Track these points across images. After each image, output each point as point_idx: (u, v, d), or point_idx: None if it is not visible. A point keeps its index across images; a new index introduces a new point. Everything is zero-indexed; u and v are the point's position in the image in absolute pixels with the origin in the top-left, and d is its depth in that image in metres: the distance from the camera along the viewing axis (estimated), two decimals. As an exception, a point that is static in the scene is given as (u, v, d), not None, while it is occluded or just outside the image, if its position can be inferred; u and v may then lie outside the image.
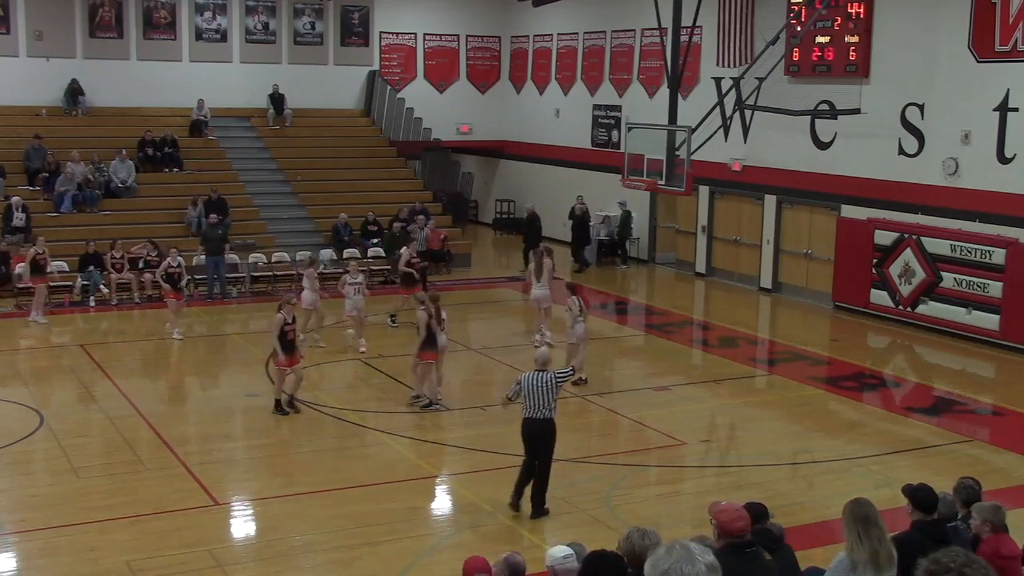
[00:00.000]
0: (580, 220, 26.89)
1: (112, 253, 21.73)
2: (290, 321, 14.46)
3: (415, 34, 31.46)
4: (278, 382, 14.59)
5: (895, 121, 20.63)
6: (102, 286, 21.59)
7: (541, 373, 11.13)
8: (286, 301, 14.83)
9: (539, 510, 11.09)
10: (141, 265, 21.87)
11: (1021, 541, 7.30)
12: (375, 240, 24.90)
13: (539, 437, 11.05)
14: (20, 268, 20.69)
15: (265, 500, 11.56)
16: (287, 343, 14.32)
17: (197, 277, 22.69)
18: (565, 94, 30.54)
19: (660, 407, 15.42)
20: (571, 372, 13.25)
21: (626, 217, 27.43)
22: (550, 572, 6.45)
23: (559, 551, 6.50)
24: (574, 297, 16.22)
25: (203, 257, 22.56)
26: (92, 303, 21.16)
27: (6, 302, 21.08)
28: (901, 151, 20.67)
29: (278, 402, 14.46)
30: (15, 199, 22.94)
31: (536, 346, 18.54)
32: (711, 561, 3.26)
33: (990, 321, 18.92)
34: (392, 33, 31.14)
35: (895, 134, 20.67)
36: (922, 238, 20.04)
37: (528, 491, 11.10)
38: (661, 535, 6.04)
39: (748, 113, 22.65)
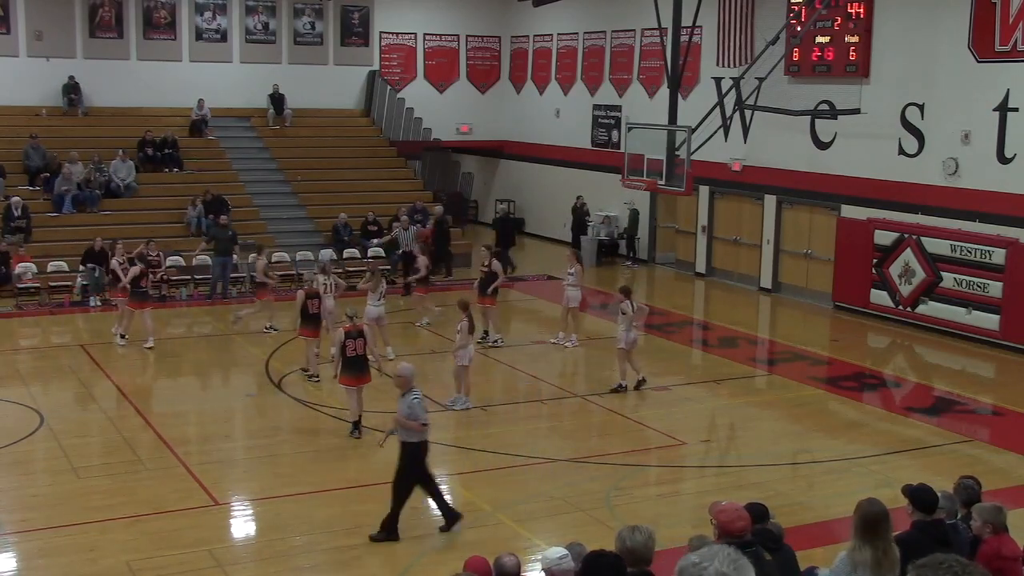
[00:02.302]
0: (503, 220, 26.96)
1: (117, 259, 21.41)
2: (355, 336, 13.50)
3: (415, 34, 31.46)
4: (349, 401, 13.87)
5: (895, 121, 20.63)
6: (105, 286, 21.47)
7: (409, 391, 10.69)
8: (347, 316, 14.01)
9: (451, 518, 10.70)
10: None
11: (1021, 541, 7.30)
12: (375, 240, 24.89)
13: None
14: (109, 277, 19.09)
15: (265, 500, 11.55)
16: (347, 360, 13.48)
17: (198, 277, 22.67)
18: (565, 94, 30.55)
19: (660, 407, 15.42)
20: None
21: (634, 216, 27.44)
22: (546, 573, 6.43)
23: (554, 552, 6.49)
24: (628, 301, 15.78)
25: (204, 256, 22.56)
26: (93, 303, 21.10)
27: (6, 302, 21.07)
28: (901, 151, 20.67)
29: (354, 424, 13.69)
30: (15, 199, 22.94)
31: (564, 347, 18.60)
32: (726, 571, 3.21)
33: (990, 321, 18.92)
34: (392, 33, 31.14)
35: (895, 134, 20.68)
36: (922, 238, 20.04)
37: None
38: (653, 530, 6.05)
39: (748, 113, 22.64)
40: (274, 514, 11.17)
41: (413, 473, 10.63)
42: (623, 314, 15.84)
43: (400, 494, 10.55)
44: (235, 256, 22.65)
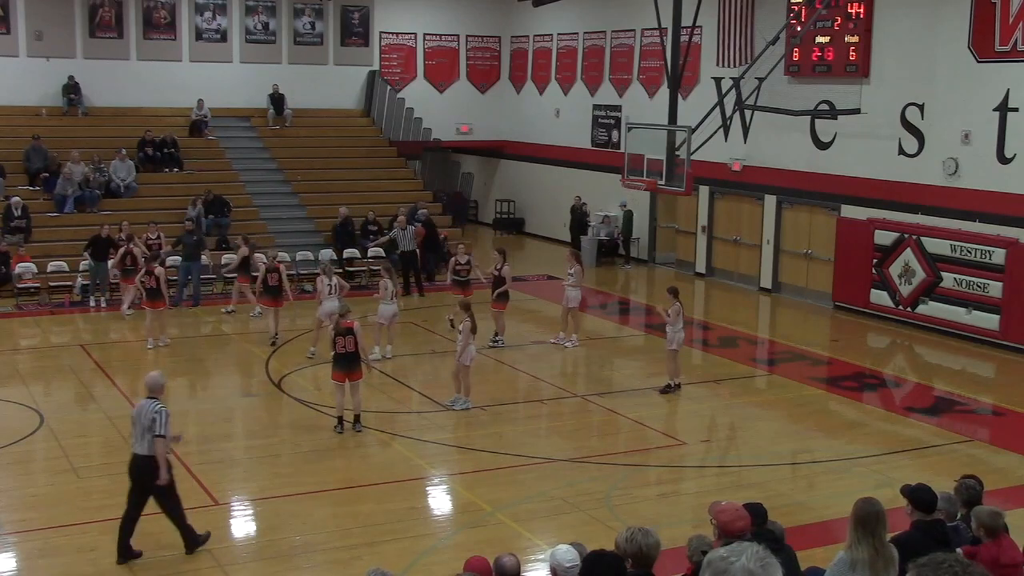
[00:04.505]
0: (427, 224, 24.77)
1: (120, 235, 21.36)
2: (343, 333, 13.61)
3: (415, 34, 31.46)
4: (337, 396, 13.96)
5: (895, 121, 20.63)
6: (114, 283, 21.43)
7: (147, 401, 10.01)
8: (340, 312, 14.11)
9: (192, 541, 10.04)
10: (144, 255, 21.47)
11: (1021, 542, 7.29)
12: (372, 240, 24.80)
13: (136, 476, 9.97)
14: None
15: (265, 500, 11.56)
16: (335, 356, 13.69)
17: (171, 279, 22.42)
18: (565, 94, 30.55)
19: (660, 407, 15.43)
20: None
21: (628, 217, 27.47)
22: (553, 573, 6.41)
23: (566, 556, 6.29)
24: (679, 302, 15.59)
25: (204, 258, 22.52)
26: (93, 303, 21.09)
27: (6, 302, 21.07)
28: (901, 151, 20.67)
29: (339, 419, 13.81)
30: (15, 199, 22.93)
31: (564, 347, 18.60)
32: (752, 568, 3.22)
33: (990, 321, 18.92)
34: (392, 33, 31.15)
35: (895, 134, 20.68)
36: (922, 238, 20.04)
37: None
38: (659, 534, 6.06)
39: (748, 113, 22.65)
40: (274, 514, 11.17)
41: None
42: (677, 315, 15.56)
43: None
44: (233, 255, 22.58)
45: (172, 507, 10.05)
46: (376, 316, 17.42)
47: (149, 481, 9.87)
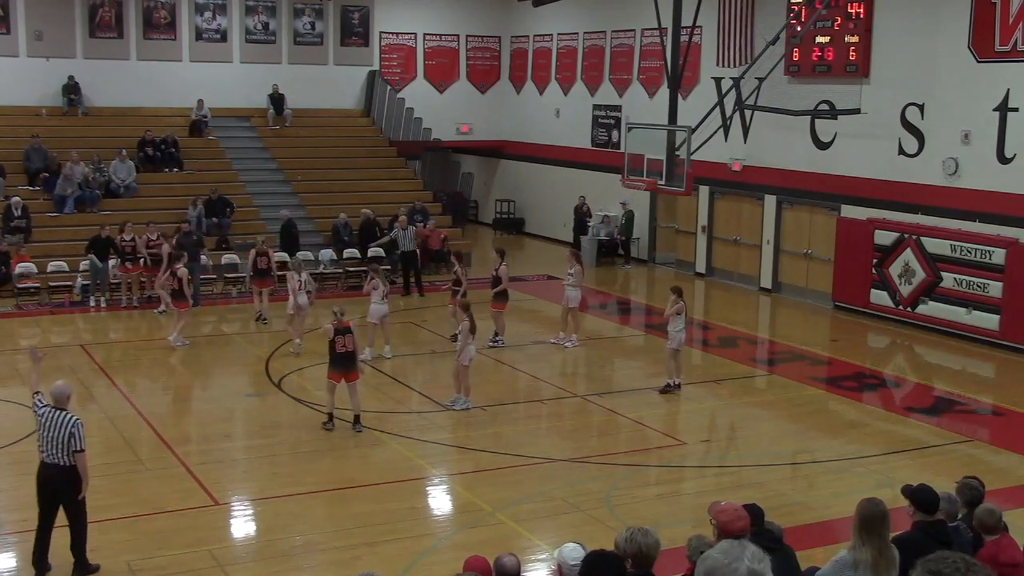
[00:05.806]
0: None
1: (122, 236, 21.42)
2: (344, 332, 13.65)
3: (415, 34, 31.46)
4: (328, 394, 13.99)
5: (895, 121, 20.63)
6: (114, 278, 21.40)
7: (58, 412, 9.54)
8: (335, 313, 14.07)
9: (83, 567, 9.60)
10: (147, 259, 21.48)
11: (1022, 542, 7.28)
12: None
13: (56, 488, 9.55)
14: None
15: (265, 500, 11.56)
16: (335, 356, 13.73)
17: (202, 277, 22.51)
18: (565, 94, 30.55)
19: (660, 407, 15.42)
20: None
21: (629, 216, 27.47)
22: (558, 569, 6.41)
23: (572, 554, 6.30)
24: (682, 302, 15.62)
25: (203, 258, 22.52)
26: (93, 303, 21.08)
27: (6, 302, 21.07)
28: (901, 151, 20.67)
29: (329, 416, 13.86)
30: (15, 199, 22.92)
31: (564, 347, 18.60)
32: (757, 568, 3.21)
33: (990, 321, 18.92)
34: (392, 33, 31.15)
35: (895, 134, 20.68)
36: (922, 238, 20.04)
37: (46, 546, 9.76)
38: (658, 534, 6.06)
39: (748, 113, 22.66)
40: (274, 514, 11.17)
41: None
42: (679, 315, 15.60)
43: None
44: (233, 255, 22.64)
45: (84, 525, 9.68)
46: (368, 316, 17.46)
47: (66, 493, 9.54)
